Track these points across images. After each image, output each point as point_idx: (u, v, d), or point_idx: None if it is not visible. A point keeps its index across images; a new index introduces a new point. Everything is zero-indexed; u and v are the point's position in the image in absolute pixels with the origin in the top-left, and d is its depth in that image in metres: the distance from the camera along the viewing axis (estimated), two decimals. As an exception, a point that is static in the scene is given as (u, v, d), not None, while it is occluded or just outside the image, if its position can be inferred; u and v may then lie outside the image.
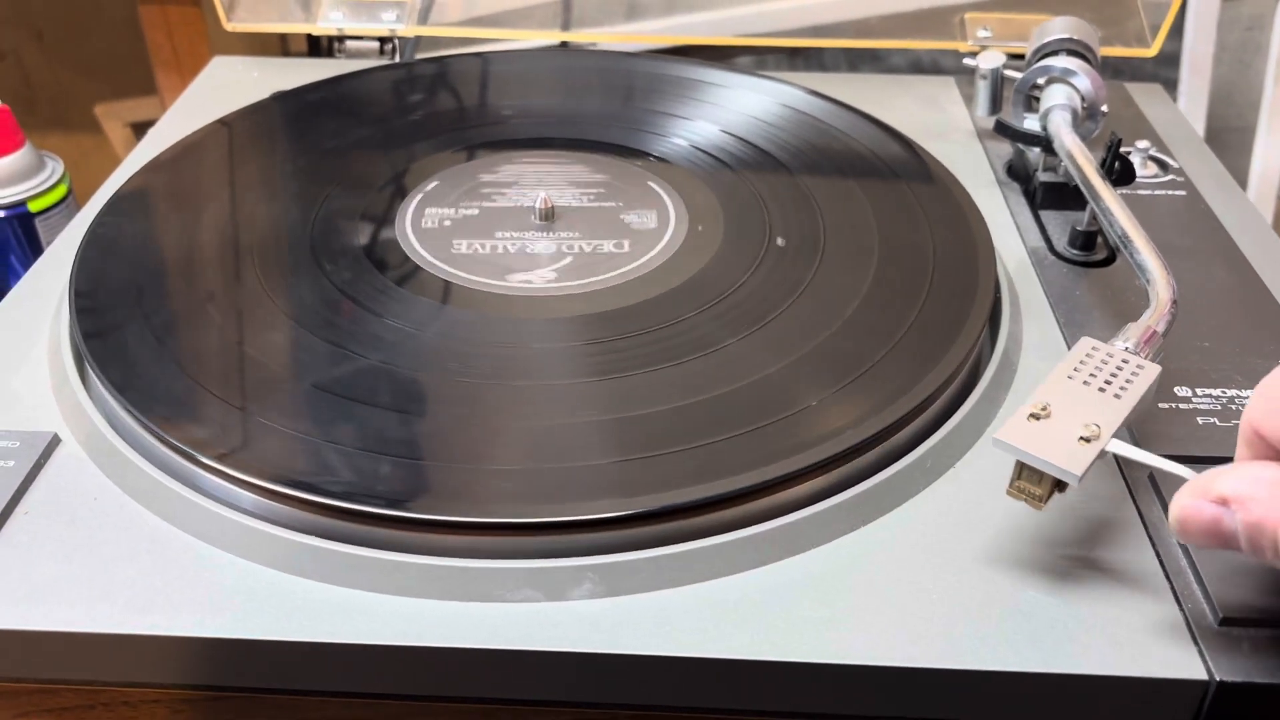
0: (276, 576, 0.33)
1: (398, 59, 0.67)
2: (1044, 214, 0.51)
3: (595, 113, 0.57)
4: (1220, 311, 0.44)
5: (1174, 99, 0.87)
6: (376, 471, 0.34)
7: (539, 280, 0.44)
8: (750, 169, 0.52)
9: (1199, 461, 0.36)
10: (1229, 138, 0.92)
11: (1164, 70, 0.87)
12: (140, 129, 0.97)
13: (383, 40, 0.67)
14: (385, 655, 0.31)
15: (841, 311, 0.42)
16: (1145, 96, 0.62)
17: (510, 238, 0.47)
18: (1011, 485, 0.33)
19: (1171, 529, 0.30)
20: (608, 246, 0.46)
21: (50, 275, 0.47)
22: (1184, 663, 0.31)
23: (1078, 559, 0.34)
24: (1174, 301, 0.38)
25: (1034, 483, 0.32)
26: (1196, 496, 0.29)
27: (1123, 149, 0.50)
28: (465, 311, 0.42)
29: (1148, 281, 0.39)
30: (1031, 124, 0.52)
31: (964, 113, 0.61)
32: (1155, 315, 0.37)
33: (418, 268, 0.45)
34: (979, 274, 0.43)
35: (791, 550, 0.34)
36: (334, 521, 0.33)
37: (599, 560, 0.32)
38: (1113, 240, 0.42)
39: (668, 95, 0.57)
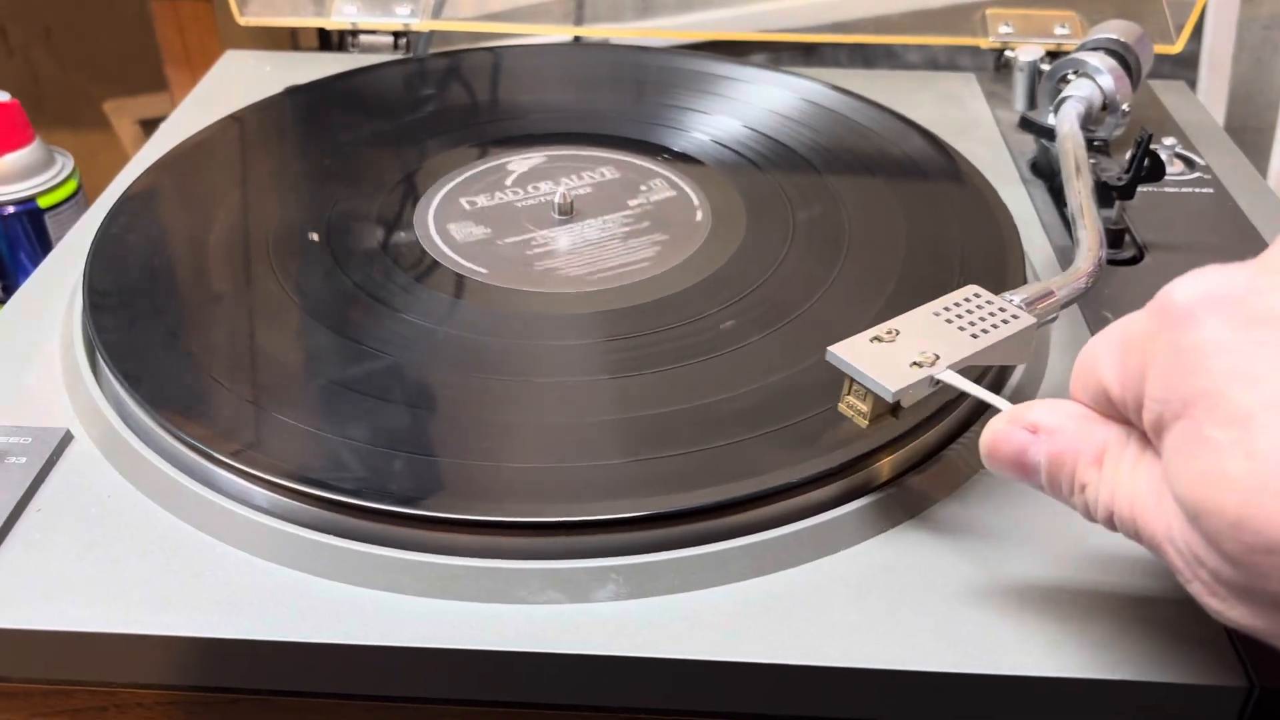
0: (293, 576, 0.32)
1: (411, 54, 0.66)
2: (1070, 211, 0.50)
3: (613, 108, 0.56)
4: (1253, 310, 0.43)
5: (1193, 98, 0.87)
6: (395, 469, 0.33)
7: (557, 276, 0.43)
8: (772, 164, 0.51)
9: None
10: (1247, 137, 0.91)
11: (1182, 70, 0.86)
12: (149, 126, 0.96)
13: (396, 35, 0.66)
14: (405, 658, 0.30)
15: (868, 310, 0.41)
16: (1169, 93, 0.61)
17: (528, 232, 0.46)
18: (841, 400, 0.34)
19: (981, 455, 0.30)
20: (628, 242, 0.46)
21: (61, 271, 0.46)
22: (1225, 669, 0.30)
23: (1115, 562, 0.33)
24: (1090, 274, 0.38)
25: (860, 398, 0.33)
26: (1009, 423, 0.29)
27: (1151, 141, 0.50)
28: (482, 307, 0.42)
29: (1076, 251, 0.40)
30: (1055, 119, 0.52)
31: (986, 109, 0.60)
32: (1061, 279, 0.37)
33: (434, 262, 0.44)
34: (1007, 273, 0.43)
35: (821, 551, 0.33)
36: (352, 520, 0.32)
37: (624, 561, 0.32)
38: (1070, 216, 0.43)
39: (688, 90, 0.57)
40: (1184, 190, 0.52)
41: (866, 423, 0.33)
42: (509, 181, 0.50)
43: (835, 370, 0.33)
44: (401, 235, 0.46)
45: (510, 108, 0.57)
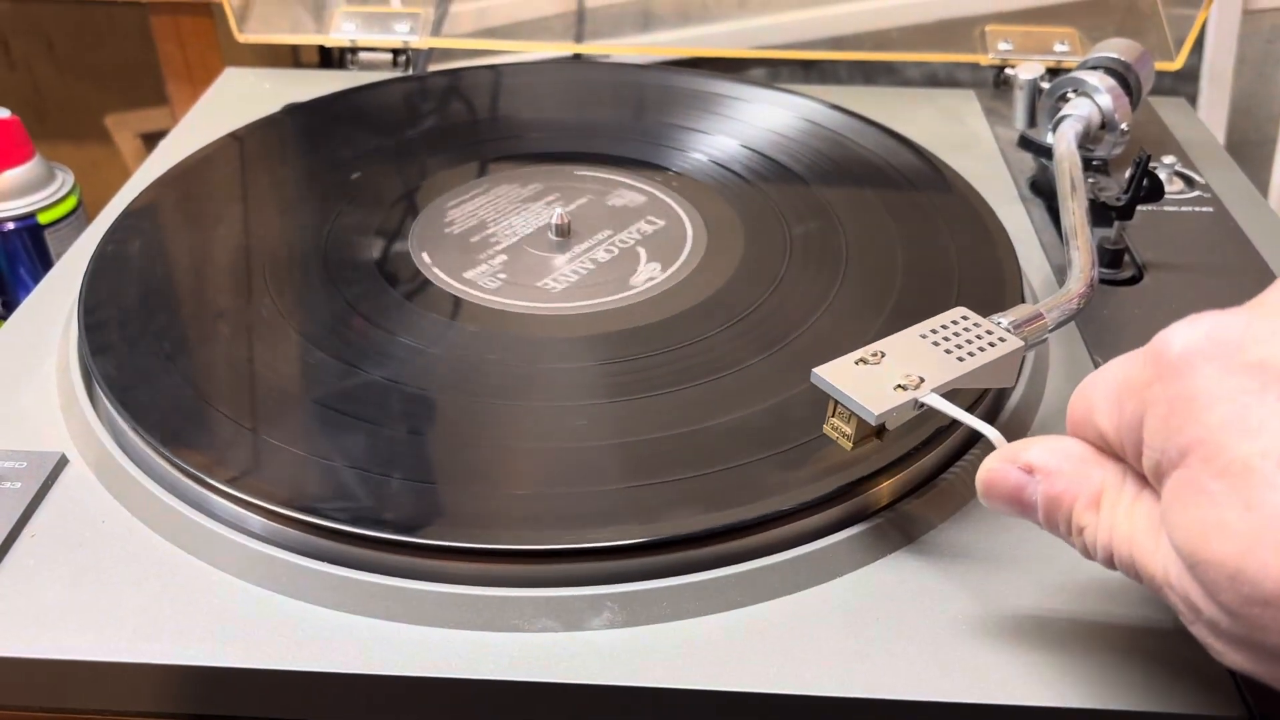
0: (288, 603, 0.32)
1: (410, 71, 0.66)
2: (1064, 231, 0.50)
3: (612, 127, 0.56)
4: (1252, 332, 0.43)
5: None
6: (390, 496, 0.33)
7: (554, 298, 0.43)
8: (770, 184, 0.51)
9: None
10: (1248, 151, 0.91)
11: (1183, 84, 0.86)
12: (150, 139, 0.96)
13: (396, 52, 0.66)
14: (399, 687, 0.30)
15: (865, 332, 0.41)
16: (1169, 110, 0.61)
17: (525, 254, 0.46)
18: (825, 422, 0.34)
19: (977, 491, 0.30)
20: (625, 263, 0.46)
21: (59, 290, 0.46)
22: (1224, 699, 0.30)
23: (1113, 590, 0.33)
24: (1082, 295, 0.38)
25: (844, 420, 0.33)
26: (1004, 461, 0.29)
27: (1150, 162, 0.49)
28: (478, 329, 0.42)
29: (1069, 272, 0.40)
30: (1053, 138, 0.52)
31: (985, 126, 0.60)
32: (1051, 301, 0.37)
33: (430, 285, 0.44)
34: (1005, 294, 0.42)
35: (817, 579, 0.33)
36: (347, 547, 0.32)
37: (619, 589, 0.31)
38: (1064, 236, 0.43)
39: (687, 109, 0.57)
40: (1183, 209, 0.51)
41: (851, 445, 0.33)
42: (507, 201, 0.50)
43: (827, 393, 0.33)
44: (398, 257, 0.46)
45: (509, 126, 0.57)
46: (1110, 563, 0.27)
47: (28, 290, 0.64)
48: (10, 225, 0.61)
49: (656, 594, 0.31)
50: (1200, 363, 0.24)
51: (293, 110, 0.57)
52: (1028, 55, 0.63)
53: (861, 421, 0.32)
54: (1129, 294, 0.46)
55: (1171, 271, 0.47)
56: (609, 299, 0.43)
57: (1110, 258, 0.47)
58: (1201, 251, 0.48)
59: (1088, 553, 0.28)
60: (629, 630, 0.31)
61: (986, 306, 0.41)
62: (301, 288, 0.43)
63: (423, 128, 0.56)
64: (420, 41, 0.65)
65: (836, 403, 0.33)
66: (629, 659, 0.30)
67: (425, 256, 0.46)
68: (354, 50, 0.66)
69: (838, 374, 0.33)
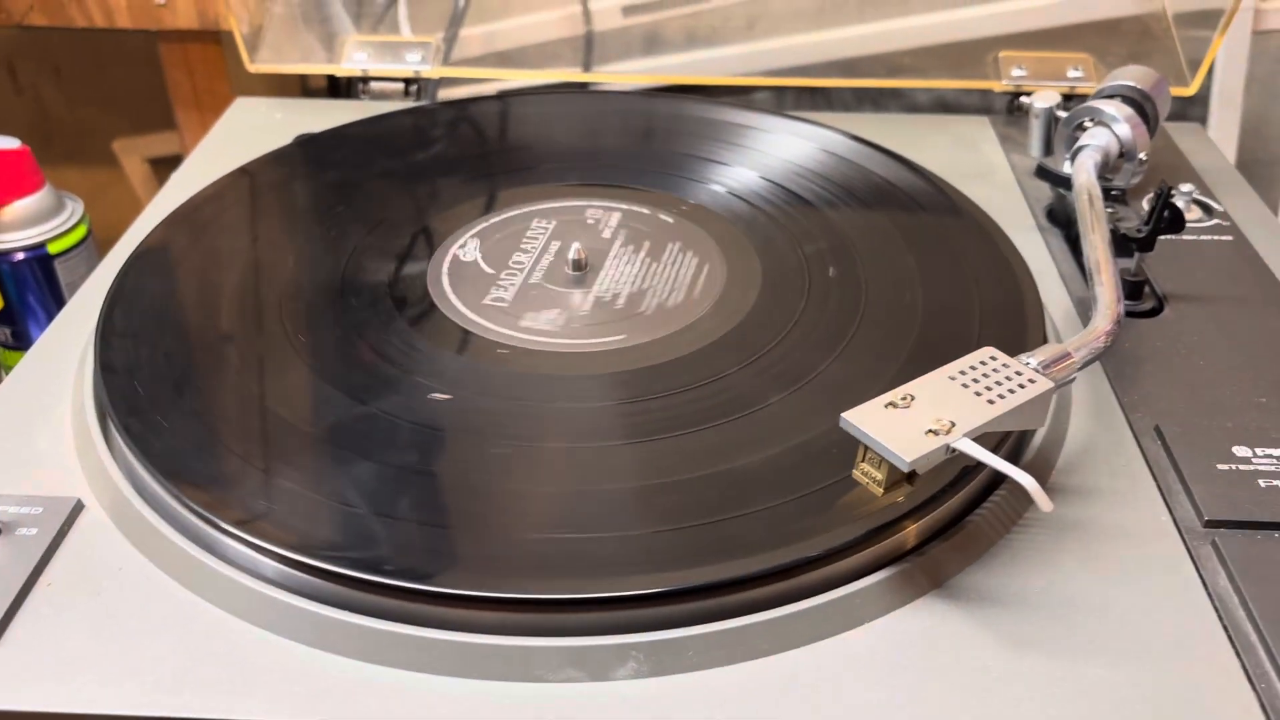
0: (310, 653, 0.32)
1: (421, 100, 0.66)
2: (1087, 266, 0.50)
3: (628, 157, 0.56)
4: (1276, 365, 0.42)
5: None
6: (411, 542, 0.33)
7: (572, 335, 0.43)
8: (788, 217, 0.51)
9: (1264, 528, 0.35)
10: (1259, 171, 0.91)
11: (1193, 106, 0.86)
12: (158, 164, 0.96)
13: (407, 81, 0.66)
14: (423, 740, 0.30)
15: (887, 368, 0.41)
16: (1184, 136, 0.61)
17: (542, 288, 0.46)
18: (855, 467, 0.33)
19: None
20: (643, 299, 0.45)
21: (73, 329, 0.46)
22: (1260, 748, 0.29)
23: (1142, 633, 0.32)
24: (1108, 333, 0.38)
25: (874, 466, 0.33)
26: None
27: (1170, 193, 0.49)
28: (496, 368, 0.41)
29: (1094, 309, 0.39)
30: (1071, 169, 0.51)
31: (1000, 153, 0.60)
32: (1079, 339, 0.37)
33: (449, 322, 0.44)
34: (1027, 329, 0.42)
35: (844, 625, 0.32)
36: (368, 596, 0.32)
37: (644, 638, 0.31)
38: (1087, 271, 0.43)
39: (703, 139, 0.56)
40: (1202, 238, 0.51)
41: (882, 491, 0.33)
42: (523, 235, 0.50)
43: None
44: (414, 295, 0.45)
45: (524, 157, 0.56)
46: None
47: (37, 319, 0.64)
48: (20, 255, 0.61)
49: (682, 643, 0.31)
50: None
51: (304, 142, 0.57)
52: (1042, 82, 0.63)
53: (893, 467, 0.32)
54: (1150, 326, 0.45)
55: (1192, 303, 0.46)
56: (626, 337, 0.43)
57: (1131, 289, 0.46)
58: (1222, 281, 0.48)
59: None
60: (655, 680, 0.31)
61: (1008, 341, 0.41)
62: (317, 327, 0.43)
63: (437, 160, 0.56)
64: (432, 71, 0.65)
65: (866, 448, 0.32)
66: (655, 709, 0.30)
67: (443, 294, 0.45)
68: (365, 80, 0.66)
69: (868, 419, 0.32)
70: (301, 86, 0.89)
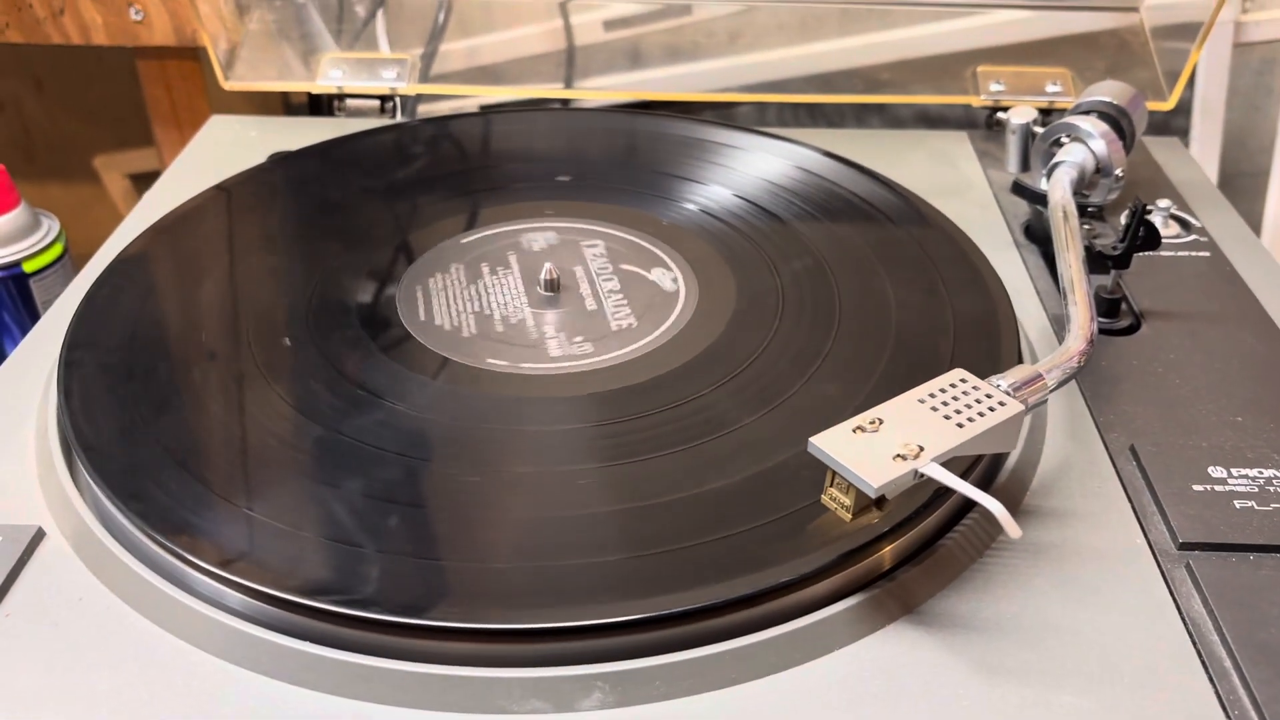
0: (270, 684, 0.31)
1: (399, 116, 0.66)
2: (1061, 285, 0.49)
3: (603, 175, 0.56)
4: (1252, 383, 0.42)
5: (1186, 145, 0.86)
6: (373, 572, 0.32)
7: (544, 357, 0.43)
8: (763, 235, 0.50)
9: (1238, 550, 0.35)
10: (1242, 183, 0.91)
11: (1175, 116, 0.86)
12: (139, 180, 0.96)
13: (383, 98, 0.65)
14: (384, 773, 0.29)
15: (861, 388, 0.40)
16: (1162, 151, 0.61)
17: (515, 310, 0.46)
18: (824, 492, 0.33)
19: None
20: (615, 319, 0.45)
21: (41, 350, 0.45)
22: (1234, 776, 0.29)
23: (1114, 660, 0.32)
24: (1082, 353, 0.38)
25: (842, 491, 0.33)
26: None
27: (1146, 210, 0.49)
28: (467, 391, 0.41)
29: (1067, 329, 0.39)
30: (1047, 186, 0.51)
31: (978, 169, 0.60)
32: (1051, 360, 0.37)
33: (418, 344, 0.43)
34: (1001, 348, 0.42)
35: (813, 653, 0.32)
36: (328, 626, 0.31)
37: (610, 668, 0.31)
38: (1061, 289, 0.42)
39: (679, 156, 0.56)
40: (1180, 254, 0.51)
41: (850, 516, 0.32)
42: (496, 255, 0.49)
43: (824, 458, 0.32)
44: (385, 315, 0.45)
45: (498, 176, 0.56)
46: None
47: (13, 338, 0.63)
48: (-5, 274, 0.60)
49: (649, 672, 0.31)
50: None
51: (279, 159, 0.56)
52: (1020, 96, 0.63)
53: (861, 492, 0.31)
54: (1127, 344, 0.45)
55: (1169, 320, 0.46)
56: (599, 357, 0.43)
57: (1107, 307, 0.46)
58: (1199, 298, 0.48)
59: None
60: (621, 711, 0.30)
61: (983, 359, 0.41)
62: (287, 353, 0.43)
63: (409, 176, 0.55)
64: (407, 88, 0.65)
65: (835, 473, 0.32)
66: (621, 741, 0.30)
67: (413, 316, 0.45)
68: (340, 97, 0.66)
69: (835, 443, 0.32)
70: (283, 102, 0.89)
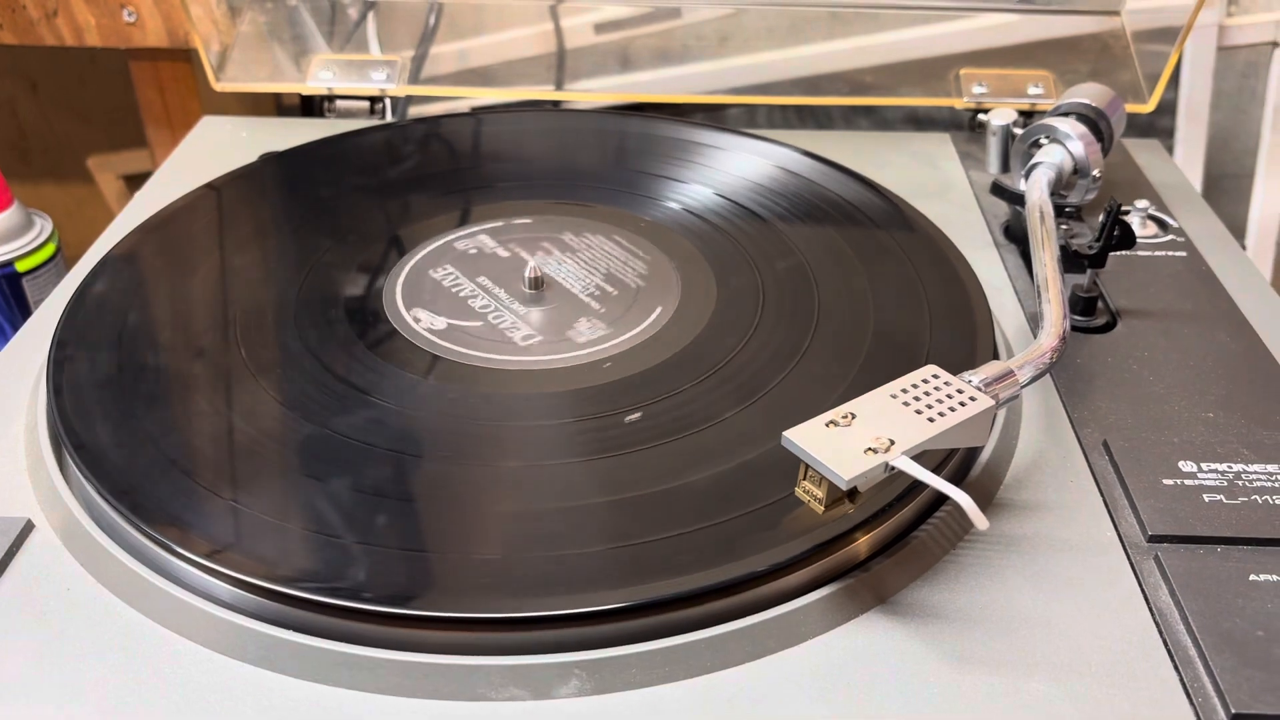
0: (255, 673, 0.32)
1: (389, 117, 0.66)
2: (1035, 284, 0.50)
3: (588, 175, 0.56)
4: (1224, 381, 0.43)
5: (1170, 147, 0.87)
6: (358, 564, 0.33)
7: (527, 353, 0.43)
8: (743, 234, 0.51)
9: (1205, 542, 0.35)
10: (1226, 185, 0.92)
11: (1160, 118, 0.87)
12: (133, 181, 0.96)
13: (373, 99, 0.66)
14: (365, 759, 0.30)
15: (838, 384, 0.41)
16: (1142, 152, 0.62)
17: (499, 307, 0.46)
18: (798, 485, 0.33)
19: None
20: (598, 316, 0.46)
21: (32, 345, 0.46)
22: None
23: (1083, 649, 0.32)
24: (1053, 350, 0.38)
25: (815, 484, 0.33)
26: None
27: (1122, 210, 0.50)
28: (453, 388, 0.41)
29: (1040, 326, 0.40)
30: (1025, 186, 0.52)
31: (960, 170, 0.60)
32: (1023, 357, 0.37)
33: (404, 341, 0.44)
34: (977, 344, 0.42)
35: (788, 642, 0.32)
36: (312, 615, 0.32)
37: (587, 656, 0.31)
38: (1036, 288, 0.43)
39: (662, 157, 0.57)
40: (1157, 254, 0.52)
41: (823, 509, 0.33)
42: (481, 253, 0.50)
43: (798, 452, 0.33)
44: (372, 312, 0.46)
45: (485, 176, 0.57)
46: None
47: (5, 337, 0.64)
48: (-13, 274, 0.61)
49: (625, 660, 0.31)
50: None
51: (269, 160, 0.57)
52: (1002, 99, 0.63)
53: (833, 485, 0.32)
54: (1102, 342, 0.46)
55: (1145, 318, 0.47)
56: (580, 353, 0.43)
57: (1083, 305, 0.47)
58: (1175, 297, 0.48)
59: None
60: (598, 698, 0.31)
61: (959, 356, 0.42)
62: (275, 347, 0.43)
63: (398, 177, 0.56)
64: (397, 89, 0.66)
65: (808, 466, 0.33)
66: (598, 727, 0.30)
67: (398, 312, 0.46)
68: (331, 98, 0.66)
69: (808, 437, 0.32)
70: (275, 104, 0.89)
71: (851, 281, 0.47)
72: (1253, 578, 0.34)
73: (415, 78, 0.67)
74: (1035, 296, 0.42)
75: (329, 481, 0.36)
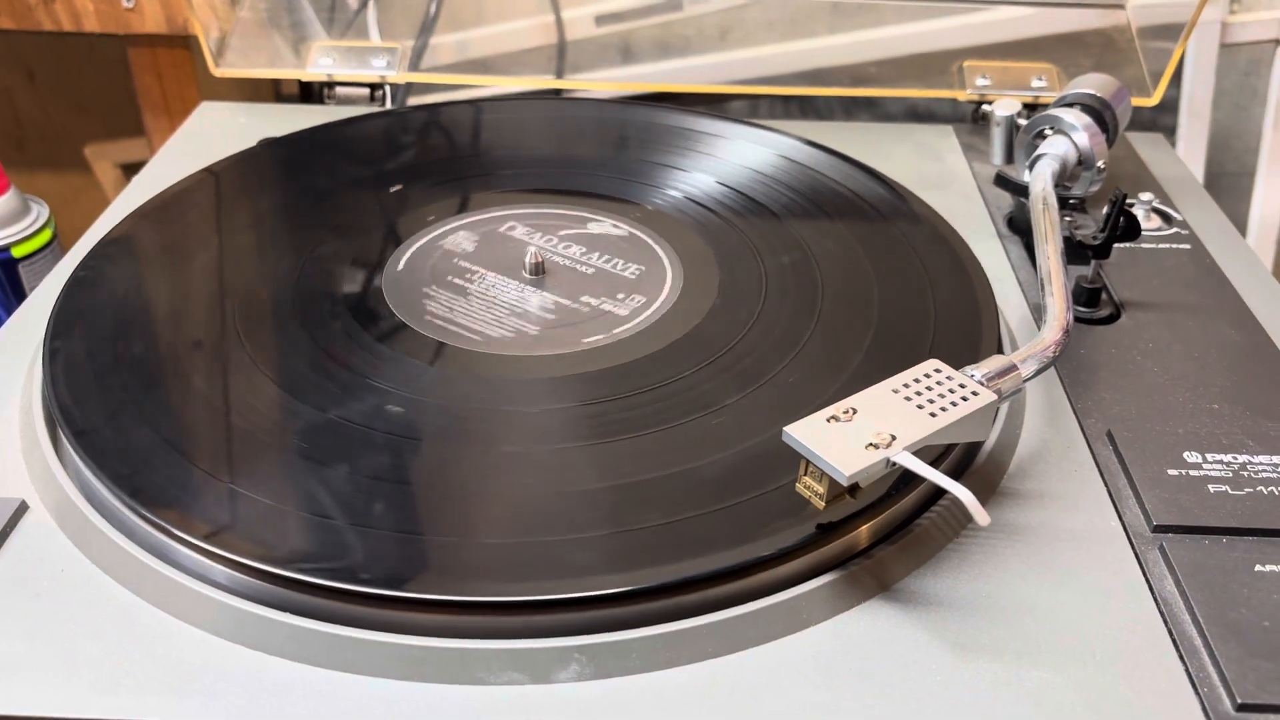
0: (249, 655, 0.31)
1: (388, 105, 0.66)
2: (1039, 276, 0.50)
3: (589, 163, 0.56)
4: (1229, 372, 0.43)
5: (1172, 144, 0.87)
6: (353, 546, 0.33)
7: (528, 339, 0.43)
8: (745, 222, 0.51)
9: (1210, 533, 0.35)
10: (1228, 182, 0.92)
11: (1162, 116, 0.87)
12: (130, 169, 0.96)
13: (373, 86, 0.66)
14: (362, 742, 0.29)
15: (841, 372, 0.41)
16: (1146, 146, 0.61)
17: (499, 293, 0.46)
18: (799, 480, 0.33)
19: None
20: (599, 302, 0.45)
21: (28, 328, 0.45)
22: (1202, 750, 0.29)
23: (1087, 638, 0.32)
24: (1057, 344, 0.38)
25: (816, 480, 0.33)
26: None
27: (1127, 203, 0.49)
28: (452, 372, 0.41)
29: (1044, 319, 0.39)
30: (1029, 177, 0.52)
31: (963, 162, 0.60)
32: (1026, 350, 0.37)
33: (403, 326, 0.43)
34: (981, 333, 0.42)
35: (790, 628, 0.32)
36: (308, 598, 0.32)
37: (586, 640, 0.31)
38: (1039, 280, 0.43)
39: (665, 145, 0.57)
40: (1161, 246, 0.51)
41: (824, 504, 0.33)
42: (481, 239, 0.50)
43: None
44: (372, 297, 0.45)
45: (485, 163, 0.56)
46: None
47: (2, 323, 0.64)
48: (-17, 259, 0.61)
49: (626, 645, 0.31)
50: None
51: (268, 145, 0.57)
52: (1005, 91, 0.63)
53: (834, 481, 0.32)
54: (1106, 333, 0.45)
55: (1149, 310, 0.47)
56: (582, 340, 0.43)
57: (1087, 296, 0.46)
58: (1179, 290, 0.48)
59: None
60: (598, 683, 0.31)
61: (963, 347, 0.41)
62: (273, 330, 0.43)
63: (398, 163, 0.56)
64: (397, 76, 0.65)
65: (808, 461, 0.32)
66: (598, 712, 0.30)
67: (398, 297, 0.45)
68: (330, 85, 0.66)
69: (809, 432, 0.32)
70: (273, 91, 0.89)
71: (855, 271, 0.47)
72: (1258, 568, 0.34)
73: (415, 67, 0.67)
74: (1039, 288, 0.42)
75: (326, 465, 0.36)
